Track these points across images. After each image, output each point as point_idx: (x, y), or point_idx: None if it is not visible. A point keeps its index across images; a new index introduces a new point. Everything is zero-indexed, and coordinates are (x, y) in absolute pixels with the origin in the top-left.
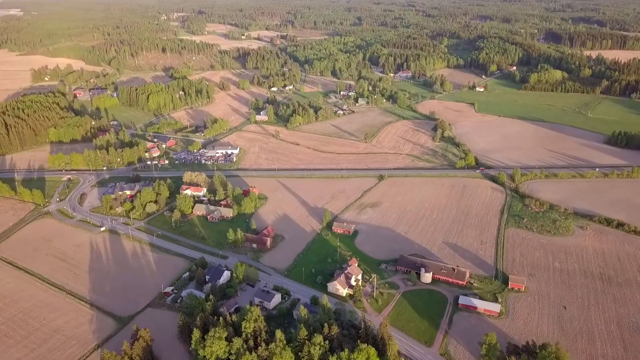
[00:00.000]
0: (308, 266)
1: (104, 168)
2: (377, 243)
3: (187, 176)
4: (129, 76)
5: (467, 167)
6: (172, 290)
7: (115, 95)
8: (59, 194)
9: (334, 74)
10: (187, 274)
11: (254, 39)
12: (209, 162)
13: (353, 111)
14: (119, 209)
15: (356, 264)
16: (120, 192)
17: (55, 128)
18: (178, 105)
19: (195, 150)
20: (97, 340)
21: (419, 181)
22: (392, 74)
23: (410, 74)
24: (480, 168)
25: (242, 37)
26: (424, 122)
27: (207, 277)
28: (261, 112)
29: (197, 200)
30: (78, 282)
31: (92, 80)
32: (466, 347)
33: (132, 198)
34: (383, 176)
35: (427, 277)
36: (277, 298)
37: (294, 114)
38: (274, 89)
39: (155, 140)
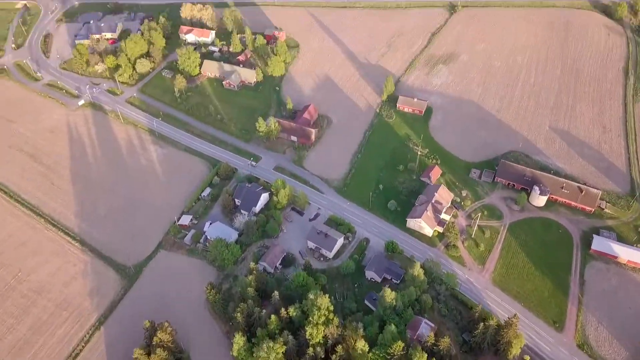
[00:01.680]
0: (371, 177)
1: None
2: (461, 130)
3: (187, 10)
4: None
5: None
6: (191, 220)
7: None
8: (14, 34)
9: None
10: (209, 190)
11: None
12: None
13: None
14: (99, 67)
15: (440, 174)
16: (97, 37)
17: None
18: None
19: None
20: (97, 312)
21: (504, 15)
22: None
23: None
24: None
25: None
26: None
27: (236, 200)
28: None
29: (206, 54)
30: (59, 199)
31: None
32: (612, 332)
33: (114, 44)
34: (455, 6)
35: (540, 200)
36: (340, 242)
37: None
38: None
39: None
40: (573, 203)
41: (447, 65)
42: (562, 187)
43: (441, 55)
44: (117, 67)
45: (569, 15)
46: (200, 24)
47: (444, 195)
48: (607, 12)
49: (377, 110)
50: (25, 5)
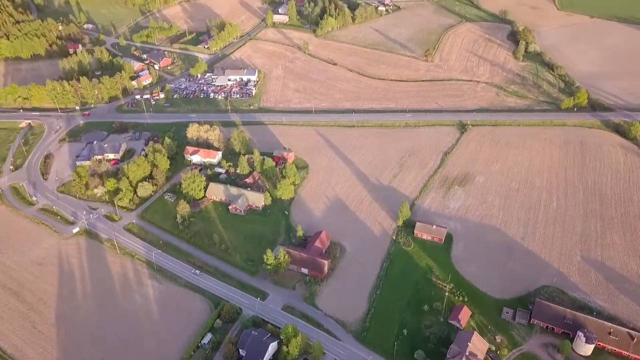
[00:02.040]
0: (393, 319)
1: (77, 108)
2: (486, 261)
3: (194, 130)
4: None
5: (577, 107)
6: None
7: None
8: (14, 155)
9: None
10: (209, 336)
11: None
12: (220, 96)
13: (398, 7)
14: (99, 190)
15: (469, 316)
16: (99, 157)
17: (7, 39)
18: None
19: (199, 75)
20: None
21: (515, 133)
22: None
23: None
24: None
25: None
26: (494, 26)
27: (241, 350)
28: (279, 9)
29: (211, 176)
30: (39, 347)
31: None
32: None
33: (117, 164)
34: (465, 125)
35: (587, 349)
36: None
37: (324, 15)
38: None
39: (145, 57)
40: (624, 352)
41: (464, 187)
42: (609, 333)
43: (456, 176)
44: (118, 190)
45: (582, 135)
46: (206, 144)
47: (478, 345)
48: (620, 131)
49: (394, 237)
50: (30, 124)
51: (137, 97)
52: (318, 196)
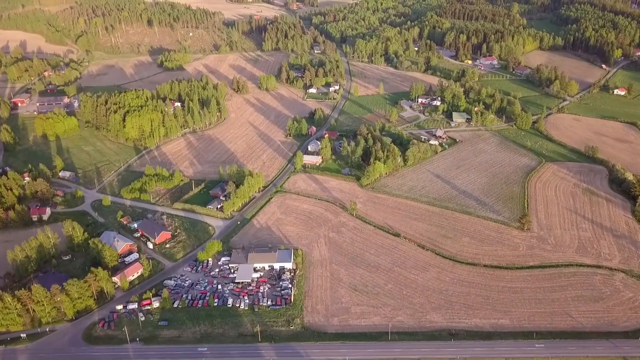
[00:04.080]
0: None
1: (22, 336)
2: None
3: None
4: (102, 63)
5: None
6: None
7: (75, 104)
8: None
9: (387, 59)
10: None
11: (263, 1)
12: (241, 305)
13: (454, 140)
14: None
15: None
16: None
17: None
18: (173, 128)
19: (210, 260)
20: None
21: None
22: (469, 61)
23: (496, 62)
24: None
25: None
26: (585, 169)
27: None
28: (309, 146)
29: None
30: None
31: (47, 73)
32: None
33: None
34: None
35: None
36: None
37: (369, 157)
38: (312, 90)
39: (136, 227)
40: None
41: None
42: None
43: None
44: None
45: None
46: None
47: None
48: None
49: None
50: None
51: (119, 307)
52: None
